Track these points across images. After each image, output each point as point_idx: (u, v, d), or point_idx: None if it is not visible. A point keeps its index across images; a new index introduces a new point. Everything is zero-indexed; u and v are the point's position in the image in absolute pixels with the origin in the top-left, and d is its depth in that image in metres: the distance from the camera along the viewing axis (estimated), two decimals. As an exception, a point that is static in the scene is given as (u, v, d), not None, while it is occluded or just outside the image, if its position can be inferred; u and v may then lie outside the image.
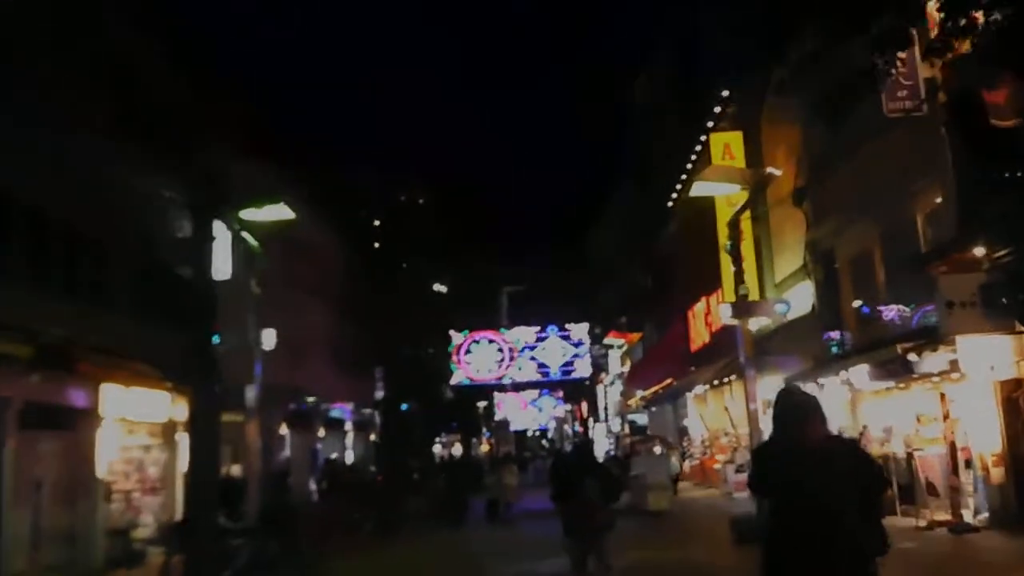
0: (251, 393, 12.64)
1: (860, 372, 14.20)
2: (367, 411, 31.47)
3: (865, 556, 3.54)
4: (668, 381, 30.43)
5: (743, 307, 11.39)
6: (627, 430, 30.41)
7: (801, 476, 3.54)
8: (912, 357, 11.78)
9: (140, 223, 11.51)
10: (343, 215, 30.35)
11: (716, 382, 23.60)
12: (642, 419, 37.33)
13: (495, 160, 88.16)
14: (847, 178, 15.18)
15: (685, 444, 27.56)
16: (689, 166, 25.79)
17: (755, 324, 11.94)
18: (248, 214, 11.18)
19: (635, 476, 16.44)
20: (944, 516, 10.97)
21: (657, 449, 19.11)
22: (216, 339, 11.56)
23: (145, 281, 12.42)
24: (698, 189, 11.40)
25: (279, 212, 11.09)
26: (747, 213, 14.08)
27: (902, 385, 14.30)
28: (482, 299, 46.96)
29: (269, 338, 12.42)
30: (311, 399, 27.07)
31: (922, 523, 11.20)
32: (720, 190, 11.43)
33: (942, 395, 11.25)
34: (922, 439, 12.38)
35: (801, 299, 17.29)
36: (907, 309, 14.07)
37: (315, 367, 26.82)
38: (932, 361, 11.75)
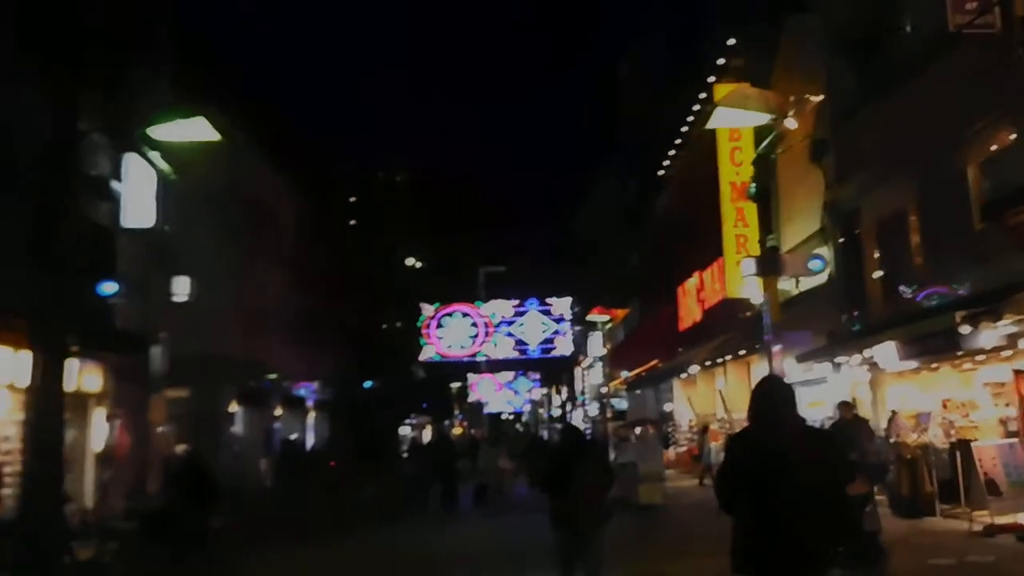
0: (157, 359, 10.34)
1: (887, 350, 12.30)
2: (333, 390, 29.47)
3: (833, 539, 3.70)
4: (653, 363, 28.53)
5: (770, 262, 9.38)
6: (610, 414, 28.46)
7: (779, 463, 3.64)
8: (964, 329, 9.83)
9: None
10: (315, 186, 28.25)
11: (708, 363, 21.69)
12: (621, 404, 35.49)
13: (478, 141, 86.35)
14: (878, 126, 13.20)
15: (670, 430, 25.66)
16: (685, 128, 23.86)
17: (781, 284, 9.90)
18: (159, 132, 8.94)
19: (624, 465, 14.41)
20: (1006, 519, 9.05)
21: (648, 434, 17.08)
22: (109, 288, 9.40)
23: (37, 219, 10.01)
24: (718, 118, 9.35)
25: (198, 131, 8.85)
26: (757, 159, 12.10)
27: (935, 366, 12.45)
28: (458, 278, 44.88)
29: (181, 288, 10.11)
30: (272, 376, 24.99)
31: (977, 527, 9.28)
32: (743, 120, 9.38)
33: (1017, 372, 9.29)
34: (970, 428, 10.47)
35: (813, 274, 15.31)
36: (908, 290, 12.25)
37: (276, 342, 24.71)
38: (988, 335, 9.83)
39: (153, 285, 12.02)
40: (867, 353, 12.77)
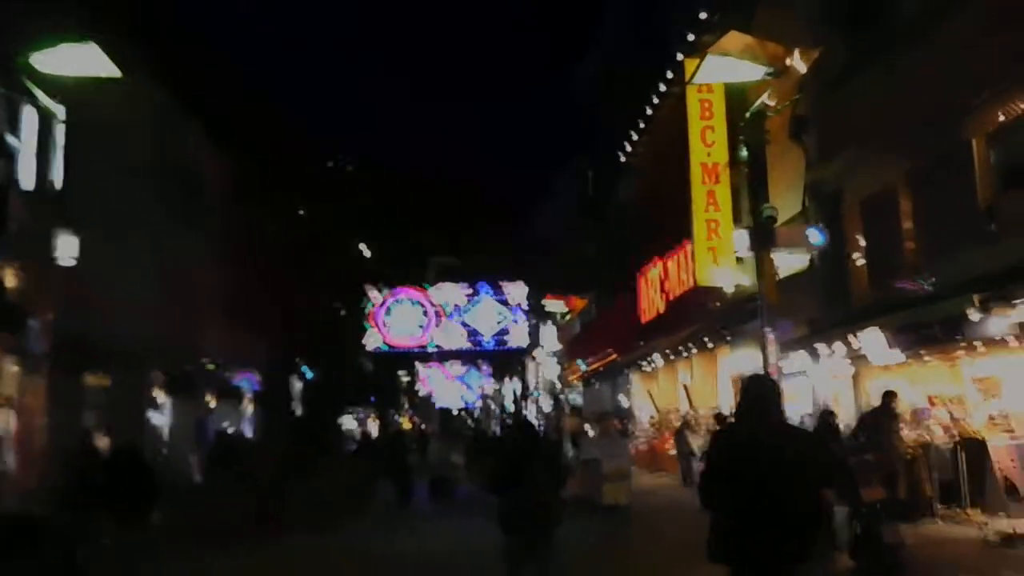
0: (36, 335, 8.71)
1: (875, 339, 11.35)
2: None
3: (811, 534, 3.78)
4: (611, 356, 27.51)
5: (766, 233, 8.25)
6: (567, 409, 27.32)
7: (759, 457, 3.73)
8: (973, 315, 8.88)
9: None
10: (257, 161, 26.50)
11: (672, 356, 20.69)
12: (576, 398, 34.46)
13: (439, 134, 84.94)
14: (866, 100, 12.25)
15: (629, 425, 24.62)
16: (650, 111, 22.83)
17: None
18: (43, 62, 7.38)
19: (587, 462, 13.25)
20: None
21: (611, 429, 15.93)
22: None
23: None
24: (708, 70, 8.13)
25: (90, 62, 7.31)
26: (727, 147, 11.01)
27: (927, 358, 11.56)
28: (408, 268, 43.37)
29: (68, 249, 8.43)
30: (210, 365, 23.30)
31: (992, 536, 8.28)
32: (735, 71, 8.17)
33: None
34: (983, 425, 9.52)
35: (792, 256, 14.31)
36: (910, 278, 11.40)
37: (212, 327, 23.02)
38: (999, 321, 8.89)
39: (51, 253, 10.38)
40: (853, 343, 11.84)
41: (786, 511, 3.63)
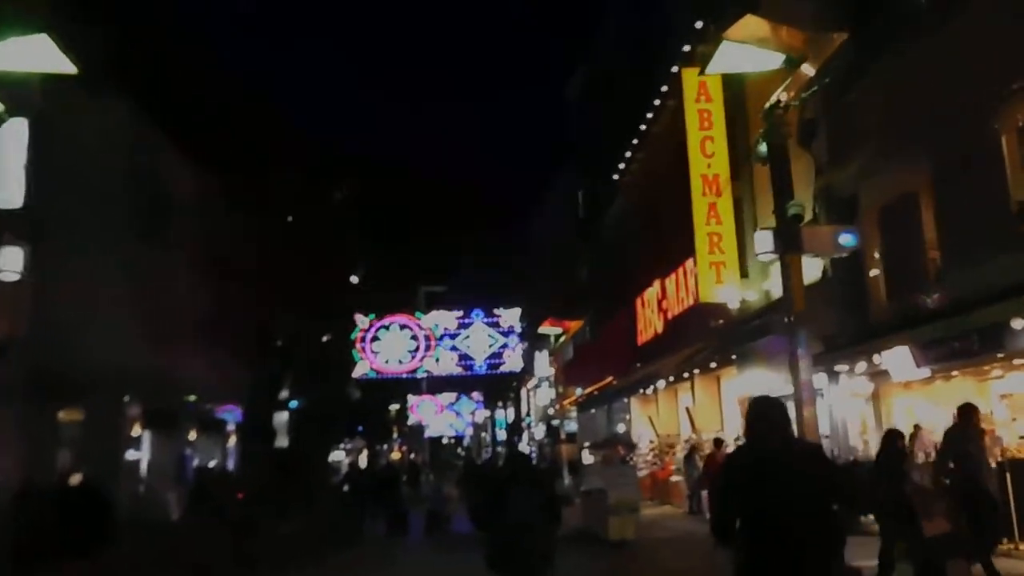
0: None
1: (900, 355, 10.57)
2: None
3: (832, 553, 3.67)
4: (607, 380, 26.61)
5: (793, 234, 7.47)
6: (563, 436, 26.33)
7: (773, 481, 3.63)
8: (1018, 323, 8.12)
9: None
10: (240, 184, 25.57)
11: (673, 378, 19.81)
12: (571, 425, 33.46)
13: (420, 154, 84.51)
14: (882, 98, 11.60)
15: (629, 453, 23.64)
16: (643, 127, 22.20)
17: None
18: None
19: (590, 493, 12.29)
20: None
21: (615, 456, 14.99)
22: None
23: None
24: (721, 59, 7.34)
25: (41, 55, 6.46)
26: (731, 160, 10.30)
27: (956, 373, 10.78)
28: (396, 297, 42.47)
29: (12, 263, 7.45)
30: (191, 397, 22.24)
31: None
32: (752, 60, 7.39)
33: None
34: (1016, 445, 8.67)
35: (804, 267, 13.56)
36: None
37: (195, 358, 21.95)
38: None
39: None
40: (875, 359, 11.04)
41: (801, 533, 3.53)
